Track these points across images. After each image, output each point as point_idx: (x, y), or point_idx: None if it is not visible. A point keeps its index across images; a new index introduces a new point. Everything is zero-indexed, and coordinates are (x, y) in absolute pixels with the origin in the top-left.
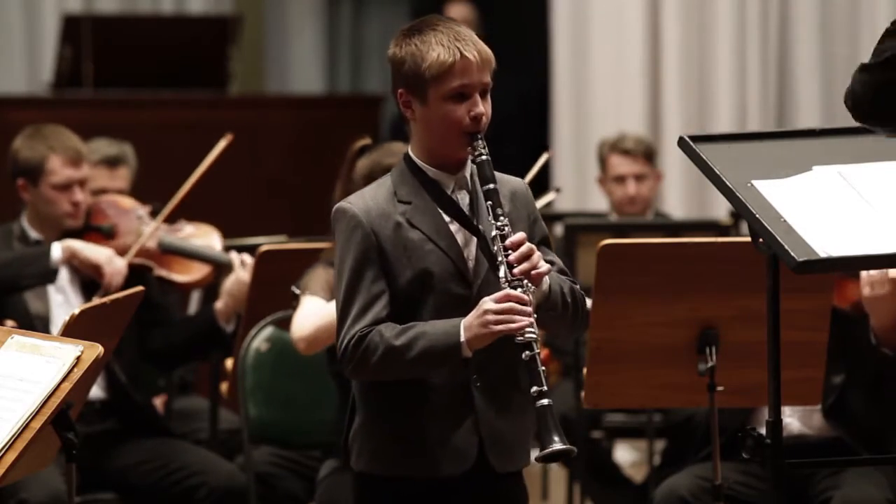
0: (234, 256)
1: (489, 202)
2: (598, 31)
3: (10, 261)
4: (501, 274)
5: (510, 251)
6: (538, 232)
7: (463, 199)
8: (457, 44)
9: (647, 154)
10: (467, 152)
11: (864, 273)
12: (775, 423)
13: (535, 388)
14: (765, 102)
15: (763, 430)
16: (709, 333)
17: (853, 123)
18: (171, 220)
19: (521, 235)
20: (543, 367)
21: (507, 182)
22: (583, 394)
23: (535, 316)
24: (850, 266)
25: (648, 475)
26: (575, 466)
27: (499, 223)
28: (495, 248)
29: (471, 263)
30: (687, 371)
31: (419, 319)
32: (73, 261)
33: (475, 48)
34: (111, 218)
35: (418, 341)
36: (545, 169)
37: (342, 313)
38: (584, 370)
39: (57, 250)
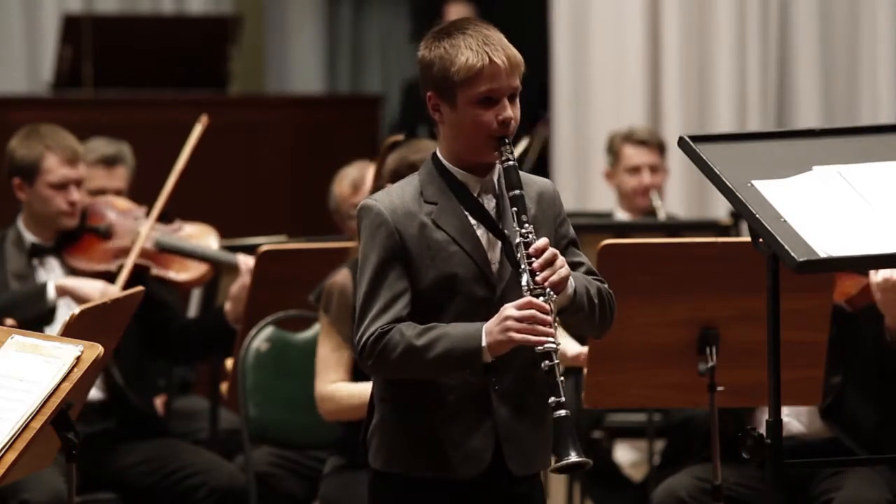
0: (241, 260)
1: (514, 208)
2: (598, 31)
3: (7, 304)
4: (524, 281)
5: (533, 259)
6: (565, 233)
7: (489, 202)
8: (485, 48)
9: (661, 146)
10: (494, 157)
11: (872, 279)
12: (775, 423)
13: (552, 399)
14: (765, 102)
15: (763, 430)
16: (709, 333)
17: (853, 123)
18: (169, 219)
19: (543, 241)
20: (562, 378)
21: (535, 183)
22: (583, 394)
23: (556, 324)
24: (850, 266)
25: (648, 475)
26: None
27: (523, 230)
28: (519, 255)
29: (495, 267)
30: (687, 371)
31: (441, 321)
32: (69, 296)
33: (504, 53)
34: (107, 219)
35: (439, 342)
36: (545, 167)
37: (363, 309)
38: (584, 370)
39: (52, 291)
